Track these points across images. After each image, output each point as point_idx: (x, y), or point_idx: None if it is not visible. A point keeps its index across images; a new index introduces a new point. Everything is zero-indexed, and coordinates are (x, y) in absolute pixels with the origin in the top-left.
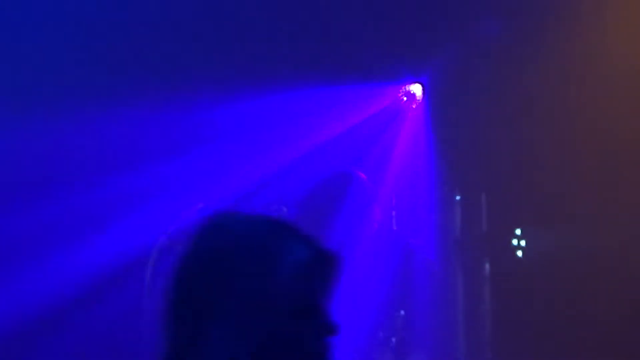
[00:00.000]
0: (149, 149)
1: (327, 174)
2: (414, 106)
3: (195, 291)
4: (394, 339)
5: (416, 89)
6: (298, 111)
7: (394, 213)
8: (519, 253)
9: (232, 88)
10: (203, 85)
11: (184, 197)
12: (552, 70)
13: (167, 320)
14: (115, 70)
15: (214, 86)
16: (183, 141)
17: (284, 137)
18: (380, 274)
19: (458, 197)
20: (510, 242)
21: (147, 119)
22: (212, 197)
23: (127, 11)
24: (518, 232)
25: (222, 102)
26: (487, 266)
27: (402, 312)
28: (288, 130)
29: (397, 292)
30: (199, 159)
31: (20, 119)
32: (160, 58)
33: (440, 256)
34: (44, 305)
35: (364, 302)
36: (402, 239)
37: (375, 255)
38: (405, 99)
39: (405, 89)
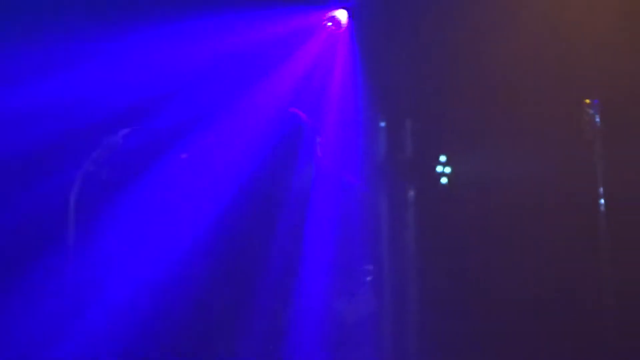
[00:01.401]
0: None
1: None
2: (339, 32)
3: None
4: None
5: (341, 14)
6: (219, 36)
7: (319, 140)
8: (444, 180)
9: (151, 14)
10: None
11: (111, 125)
12: None
13: None
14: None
15: (135, 11)
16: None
17: (208, 62)
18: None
19: (383, 124)
20: (434, 169)
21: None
22: (137, 125)
23: None
24: (443, 159)
25: (140, 27)
26: (412, 193)
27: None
28: (212, 55)
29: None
30: (121, 88)
31: None
32: None
33: (365, 182)
34: None
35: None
36: (332, 170)
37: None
38: (330, 24)
39: (330, 14)
